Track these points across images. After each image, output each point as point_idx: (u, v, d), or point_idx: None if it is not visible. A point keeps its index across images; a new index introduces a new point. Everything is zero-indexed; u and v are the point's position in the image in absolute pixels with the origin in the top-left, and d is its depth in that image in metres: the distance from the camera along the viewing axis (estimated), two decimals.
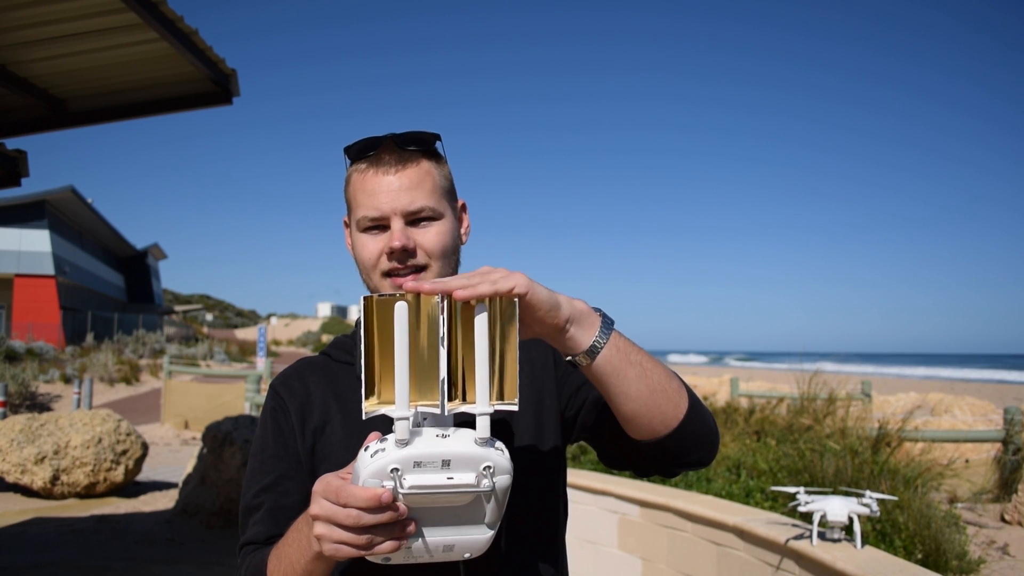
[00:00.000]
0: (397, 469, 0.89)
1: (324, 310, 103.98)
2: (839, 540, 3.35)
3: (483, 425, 0.93)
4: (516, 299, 0.94)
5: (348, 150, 1.26)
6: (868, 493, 3.33)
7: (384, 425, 1.21)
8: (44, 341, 26.71)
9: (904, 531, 4.01)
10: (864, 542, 3.47)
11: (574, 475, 4.98)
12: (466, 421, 0.97)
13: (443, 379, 0.93)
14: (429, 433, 0.92)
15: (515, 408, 0.95)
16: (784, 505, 4.50)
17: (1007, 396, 20.80)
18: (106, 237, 40.05)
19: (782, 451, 5.38)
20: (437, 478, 0.90)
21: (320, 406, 1.27)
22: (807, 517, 3.74)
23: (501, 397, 0.95)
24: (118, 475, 8.73)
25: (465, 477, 0.90)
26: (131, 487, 9.20)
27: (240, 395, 14.40)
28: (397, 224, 1.20)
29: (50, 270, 31.29)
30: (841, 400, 7.15)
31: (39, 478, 8.38)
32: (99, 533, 6.92)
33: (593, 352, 1.03)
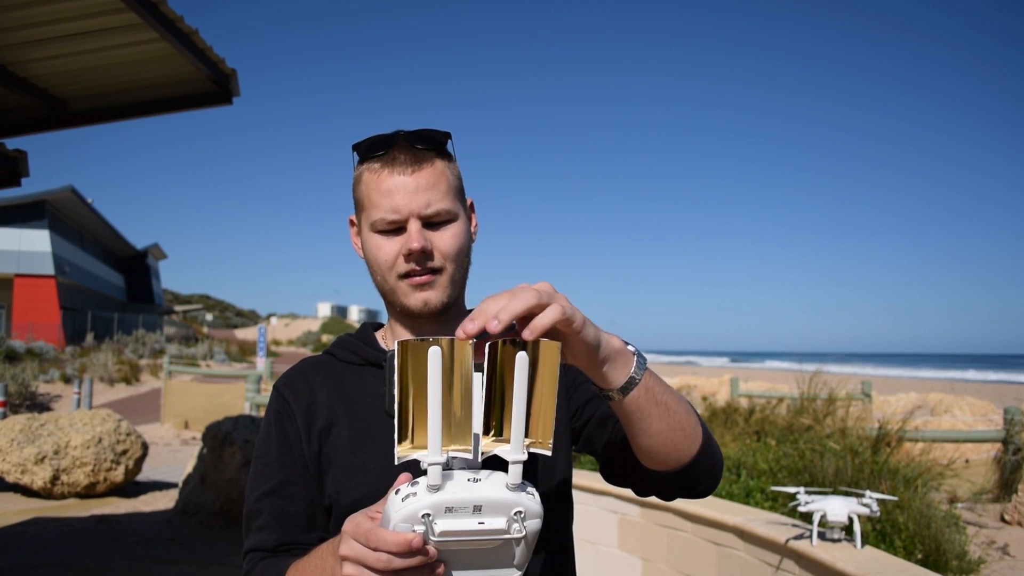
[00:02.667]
0: (428, 514, 0.88)
1: (324, 310, 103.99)
2: (839, 540, 3.35)
3: (515, 472, 0.92)
4: (560, 345, 0.91)
5: (357, 147, 1.23)
6: (868, 493, 3.33)
7: (392, 430, 1.21)
8: (44, 341, 26.70)
9: (904, 531, 4.01)
10: (864, 542, 3.47)
11: (574, 475, 4.98)
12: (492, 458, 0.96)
13: (476, 434, 0.92)
14: (460, 477, 0.91)
15: (548, 453, 0.93)
16: (784, 505, 4.50)
17: (1007, 396, 20.79)
18: (106, 237, 40.05)
19: (782, 451, 5.38)
20: (468, 523, 0.89)
21: (326, 408, 1.25)
22: (807, 517, 3.74)
23: (536, 443, 0.93)
24: (118, 475, 8.73)
25: (496, 522, 0.90)
26: (131, 487, 9.20)
27: (240, 395, 14.39)
28: (414, 226, 1.18)
29: (50, 270, 31.30)
30: (841, 400, 7.16)
31: (39, 478, 8.38)
32: (99, 533, 6.92)
33: (624, 391, 1.03)
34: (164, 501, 8.46)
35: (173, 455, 12.55)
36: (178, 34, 4.14)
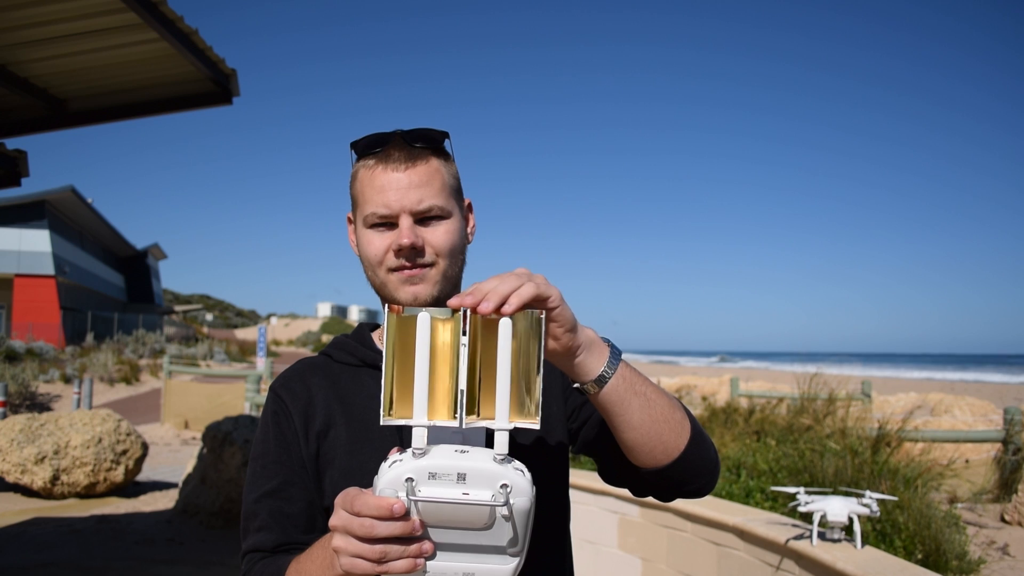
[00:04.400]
0: (411, 479, 0.88)
1: (324, 310, 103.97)
2: (839, 540, 3.35)
3: (502, 441, 0.91)
4: (543, 315, 0.94)
5: (355, 145, 1.24)
6: (868, 493, 3.33)
7: (390, 431, 1.20)
8: (44, 341, 26.70)
9: (904, 531, 4.00)
10: (864, 542, 3.47)
11: (574, 475, 4.98)
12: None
13: (461, 390, 0.92)
14: (448, 447, 0.91)
15: (536, 427, 0.92)
16: (784, 505, 4.50)
17: (1007, 396, 20.80)
18: (106, 237, 40.03)
19: (782, 451, 5.38)
20: (451, 491, 0.88)
21: (323, 409, 1.25)
22: (807, 517, 3.74)
23: (523, 414, 0.93)
24: (118, 475, 8.73)
25: (480, 494, 0.88)
26: (131, 487, 9.20)
27: (240, 395, 14.39)
28: (405, 222, 1.19)
29: (50, 270, 31.28)
30: (841, 400, 7.15)
31: (39, 478, 8.37)
32: (99, 533, 6.92)
33: (601, 381, 1.03)
34: (164, 501, 8.46)
35: (173, 455, 12.54)
36: (178, 34, 4.13)
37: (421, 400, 0.91)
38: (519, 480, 0.90)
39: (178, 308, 60.03)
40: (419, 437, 0.90)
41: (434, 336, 0.93)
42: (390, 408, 0.92)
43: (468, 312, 0.93)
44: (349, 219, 1.31)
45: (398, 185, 1.19)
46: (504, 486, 0.89)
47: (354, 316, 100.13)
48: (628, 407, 1.05)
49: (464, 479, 0.89)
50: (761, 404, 8.91)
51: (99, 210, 36.37)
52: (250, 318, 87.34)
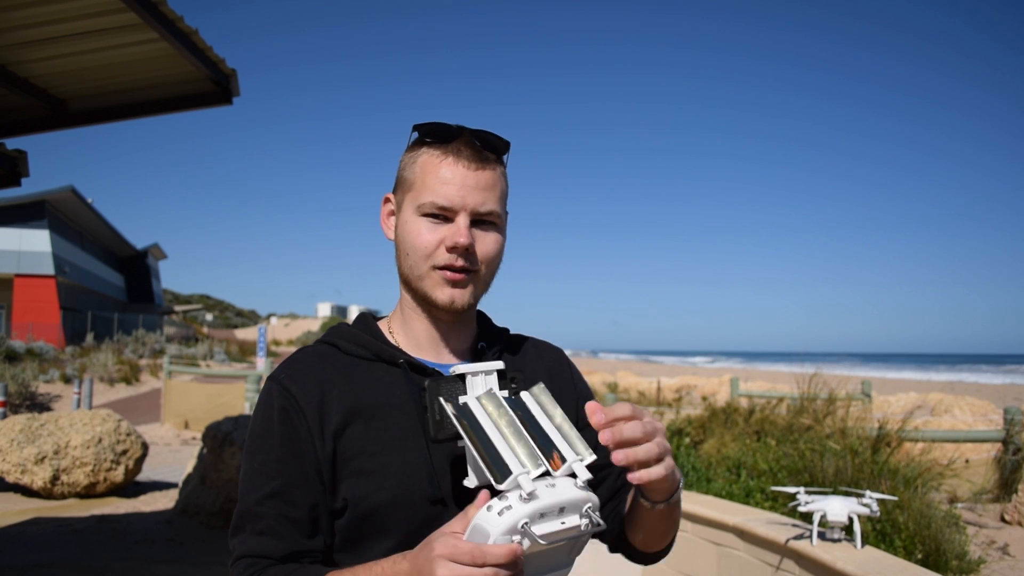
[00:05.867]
0: (527, 523, 0.95)
1: (324, 310, 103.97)
2: (839, 540, 3.35)
3: (582, 469, 1.01)
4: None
5: (420, 128, 1.22)
6: (868, 493, 3.33)
7: (415, 432, 1.19)
8: (44, 341, 26.68)
9: (904, 531, 4.00)
10: (864, 542, 3.47)
11: None
12: None
13: (528, 439, 1.03)
14: (539, 483, 0.99)
15: (594, 457, 1.04)
16: (784, 505, 4.50)
17: (1007, 396, 20.83)
18: (106, 237, 40.02)
19: (782, 451, 5.38)
20: (555, 525, 0.97)
21: (339, 406, 1.17)
22: (807, 517, 3.74)
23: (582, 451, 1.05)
24: (118, 475, 8.73)
25: (573, 519, 0.99)
26: (131, 487, 9.19)
27: (240, 395, 14.40)
28: (464, 221, 1.18)
29: (50, 270, 31.28)
30: (841, 400, 7.15)
31: (39, 478, 8.37)
32: (99, 533, 6.92)
33: (667, 501, 1.16)
34: (164, 501, 8.45)
35: (173, 455, 12.54)
36: (178, 34, 4.13)
37: (510, 454, 1.01)
38: (596, 499, 1.02)
39: (178, 308, 59.96)
40: (527, 482, 0.97)
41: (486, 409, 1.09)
42: (501, 475, 0.99)
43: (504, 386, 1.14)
44: (387, 199, 1.29)
45: (465, 182, 1.18)
46: (590, 506, 1.00)
47: (354, 316, 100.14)
48: (654, 521, 1.21)
49: (563, 511, 0.98)
50: (761, 404, 8.90)
51: (99, 210, 36.37)
52: (250, 318, 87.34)
